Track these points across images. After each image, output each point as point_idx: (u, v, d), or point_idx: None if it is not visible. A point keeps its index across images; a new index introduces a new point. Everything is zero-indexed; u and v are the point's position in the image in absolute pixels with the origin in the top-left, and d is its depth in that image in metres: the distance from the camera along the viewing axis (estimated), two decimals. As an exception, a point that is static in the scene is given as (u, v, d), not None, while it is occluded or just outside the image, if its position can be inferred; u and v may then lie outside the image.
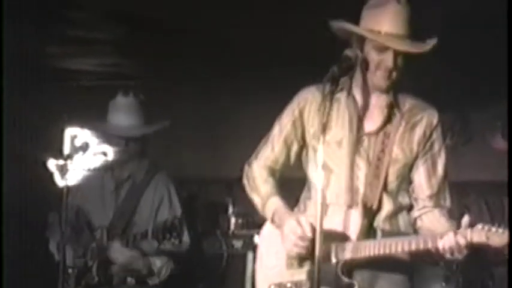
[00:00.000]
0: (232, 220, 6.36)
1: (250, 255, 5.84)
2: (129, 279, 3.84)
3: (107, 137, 3.97)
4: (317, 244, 2.51)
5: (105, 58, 6.35)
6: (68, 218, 4.02)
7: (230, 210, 6.44)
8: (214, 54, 5.93)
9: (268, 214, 2.93)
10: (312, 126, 2.91)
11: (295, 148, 2.96)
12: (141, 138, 3.95)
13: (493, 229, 2.52)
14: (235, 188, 7.45)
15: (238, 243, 6.00)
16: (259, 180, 3.01)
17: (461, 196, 6.76)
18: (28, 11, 4.99)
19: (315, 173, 2.86)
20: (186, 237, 3.75)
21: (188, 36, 5.49)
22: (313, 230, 2.69)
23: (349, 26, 2.81)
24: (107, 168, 4.07)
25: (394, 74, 2.78)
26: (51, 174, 6.51)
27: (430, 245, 2.63)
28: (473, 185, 6.67)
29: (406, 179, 2.86)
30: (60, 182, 6.52)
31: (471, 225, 2.59)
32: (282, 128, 2.99)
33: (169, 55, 6.03)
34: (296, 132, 2.93)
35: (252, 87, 6.69)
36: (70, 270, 3.91)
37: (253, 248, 5.92)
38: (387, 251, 2.68)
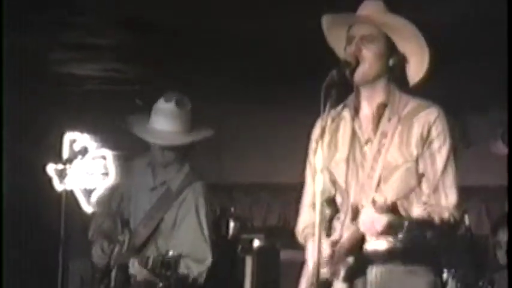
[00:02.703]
0: (231, 224, 6.35)
1: (249, 259, 5.83)
2: None
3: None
4: (315, 249, 2.50)
5: (107, 63, 6.35)
6: (110, 210, 4.03)
7: (229, 214, 6.43)
8: (220, 60, 5.93)
9: (302, 242, 2.94)
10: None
11: (328, 176, 2.88)
12: (178, 152, 3.87)
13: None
14: (235, 192, 7.46)
15: (237, 248, 5.99)
16: (300, 221, 2.99)
17: (461, 200, 6.74)
18: (30, 16, 4.99)
19: (338, 195, 2.86)
20: (208, 256, 3.72)
21: (192, 41, 5.48)
22: (335, 246, 2.71)
23: (326, 17, 2.84)
24: (149, 164, 3.97)
25: (365, 65, 2.75)
26: (50, 179, 6.53)
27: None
28: (473, 189, 6.67)
29: (413, 183, 2.77)
30: (58, 186, 6.55)
31: None
32: (311, 164, 2.96)
33: (173, 61, 6.02)
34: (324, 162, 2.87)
35: (255, 94, 6.69)
36: (96, 269, 3.89)
37: (252, 252, 5.92)
38: (350, 242, 2.69)
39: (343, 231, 2.76)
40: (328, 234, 2.79)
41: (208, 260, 3.75)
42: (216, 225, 6.49)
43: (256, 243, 6.01)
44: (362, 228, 2.61)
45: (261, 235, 6.15)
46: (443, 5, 4.37)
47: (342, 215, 2.85)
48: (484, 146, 6.74)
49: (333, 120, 2.77)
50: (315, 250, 2.54)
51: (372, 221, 2.57)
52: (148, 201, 3.88)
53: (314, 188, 2.90)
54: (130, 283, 3.76)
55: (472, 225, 5.95)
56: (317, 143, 2.86)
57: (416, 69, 2.84)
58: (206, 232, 3.76)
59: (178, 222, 3.80)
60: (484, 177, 6.61)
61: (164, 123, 3.85)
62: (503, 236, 5.18)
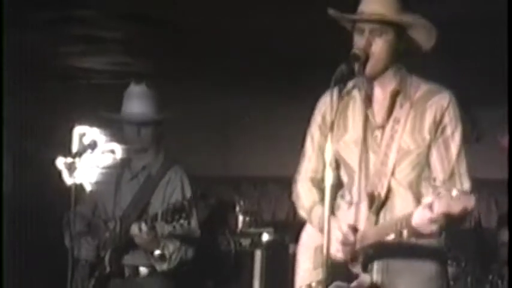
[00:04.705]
0: (240, 218, 6.37)
1: (258, 253, 5.84)
2: (142, 269, 3.86)
3: (119, 127, 4.00)
4: (325, 238, 2.52)
5: (115, 57, 6.37)
6: (83, 214, 4.08)
7: (238, 208, 6.45)
8: (226, 54, 5.93)
9: (315, 224, 2.93)
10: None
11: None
12: (154, 130, 3.97)
13: (453, 193, 2.40)
14: (243, 186, 7.47)
15: (246, 242, 6.01)
16: (302, 195, 3.02)
17: (474, 187, 6.71)
18: (37, 10, 5.01)
19: (342, 173, 2.89)
20: (195, 222, 3.80)
21: (199, 35, 5.50)
22: (355, 232, 2.73)
23: (333, 13, 2.82)
24: (124, 160, 4.14)
25: (375, 60, 2.75)
26: (59, 172, 6.56)
27: (402, 226, 2.61)
28: (483, 183, 6.65)
29: (426, 169, 2.81)
30: (68, 180, 6.56)
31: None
32: (313, 137, 3.00)
33: (180, 54, 6.03)
34: (325, 137, 2.86)
35: (262, 88, 6.70)
36: (84, 262, 3.93)
37: (261, 246, 5.93)
38: (378, 238, 2.70)
39: (358, 216, 2.77)
40: (333, 212, 2.82)
41: (197, 232, 3.84)
42: (225, 219, 6.53)
43: (265, 237, 6.02)
44: (415, 227, 2.55)
45: (270, 229, 6.15)
46: (444, 3, 4.39)
47: (347, 195, 2.88)
48: (494, 139, 6.73)
49: (342, 98, 2.78)
50: (326, 233, 2.55)
51: (426, 223, 2.51)
52: (131, 189, 3.99)
53: (316, 164, 2.97)
54: (124, 266, 3.85)
55: (481, 219, 5.95)
56: (323, 129, 2.91)
57: (426, 36, 2.82)
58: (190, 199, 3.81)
59: (167, 200, 3.88)
60: (494, 171, 6.59)
61: (137, 105, 3.98)
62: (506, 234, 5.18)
